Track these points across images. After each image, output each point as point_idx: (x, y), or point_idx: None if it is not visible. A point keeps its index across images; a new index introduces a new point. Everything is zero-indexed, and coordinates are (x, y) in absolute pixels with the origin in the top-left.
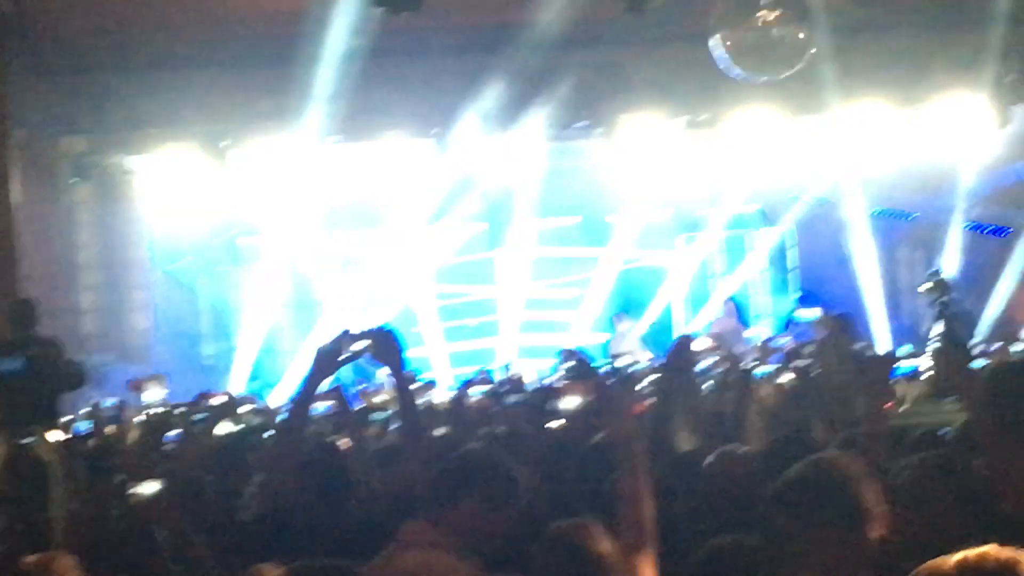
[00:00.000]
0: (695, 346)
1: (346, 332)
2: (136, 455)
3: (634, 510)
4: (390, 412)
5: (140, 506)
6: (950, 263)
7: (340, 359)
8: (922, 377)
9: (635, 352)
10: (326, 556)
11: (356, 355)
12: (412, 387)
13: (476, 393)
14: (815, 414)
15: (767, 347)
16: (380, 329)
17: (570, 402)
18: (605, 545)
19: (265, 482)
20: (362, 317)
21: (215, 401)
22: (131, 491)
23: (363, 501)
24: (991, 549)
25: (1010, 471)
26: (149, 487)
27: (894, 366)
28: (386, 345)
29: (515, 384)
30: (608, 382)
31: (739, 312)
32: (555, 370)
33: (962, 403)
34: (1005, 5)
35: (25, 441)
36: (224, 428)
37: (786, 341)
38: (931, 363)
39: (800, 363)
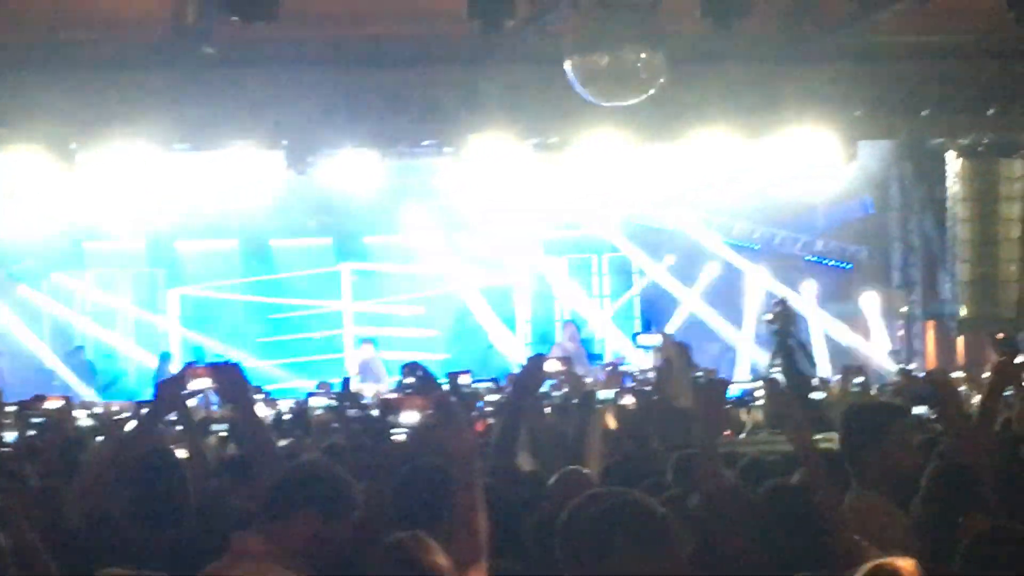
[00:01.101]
0: (546, 367)
1: (189, 365)
2: None
3: (470, 525)
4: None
5: None
6: (793, 294)
7: (183, 394)
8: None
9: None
10: (157, 567)
11: (199, 392)
12: (254, 410)
13: (318, 406)
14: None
15: (615, 371)
16: (225, 364)
17: (410, 416)
18: (439, 558)
19: (91, 486)
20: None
21: (50, 404)
22: None
23: (200, 511)
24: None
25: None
26: None
27: (727, 392)
28: (231, 381)
29: (353, 398)
30: (449, 398)
31: (580, 334)
32: (397, 384)
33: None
34: (854, 40)
35: None
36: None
37: (631, 365)
38: (762, 393)
39: (641, 387)
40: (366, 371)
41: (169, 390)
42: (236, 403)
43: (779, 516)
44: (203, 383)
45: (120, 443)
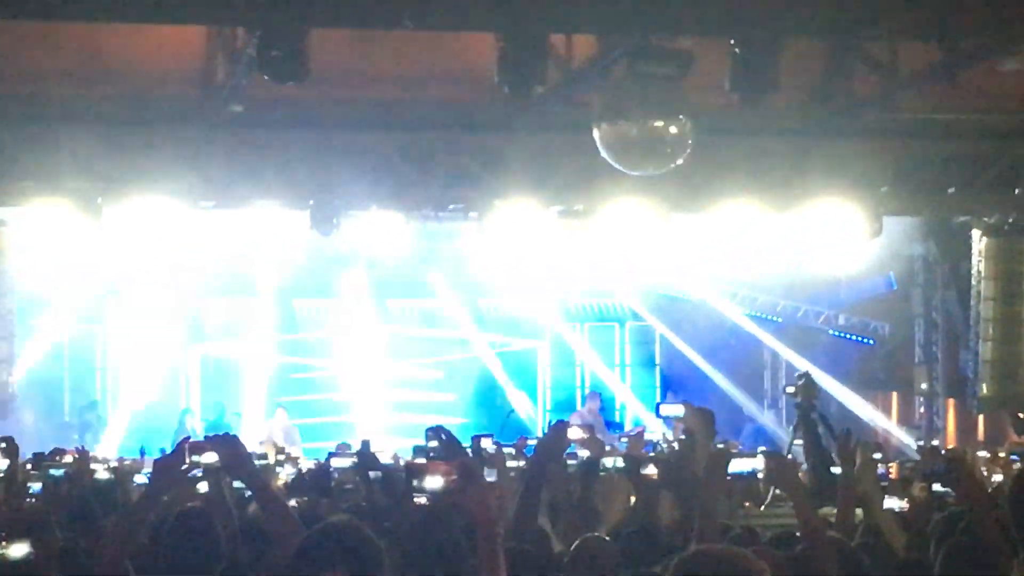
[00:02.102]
0: (570, 434)
1: (186, 440)
2: None
3: None
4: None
5: (10, 569)
6: (817, 367)
7: (183, 469)
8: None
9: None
10: None
11: (205, 469)
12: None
13: (340, 467)
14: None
15: (639, 438)
16: (224, 437)
17: (434, 481)
18: None
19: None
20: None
21: (68, 458)
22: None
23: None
24: None
25: None
26: (18, 549)
27: (728, 461)
28: (233, 454)
29: (372, 460)
30: (474, 462)
31: (603, 403)
32: (418, 449)
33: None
34: (882, 117)
35: None
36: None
37: (653, 434)
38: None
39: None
40: (288, 436)
41: (168, 467)
42: (241, 477)
43: None
44: (207, 458)
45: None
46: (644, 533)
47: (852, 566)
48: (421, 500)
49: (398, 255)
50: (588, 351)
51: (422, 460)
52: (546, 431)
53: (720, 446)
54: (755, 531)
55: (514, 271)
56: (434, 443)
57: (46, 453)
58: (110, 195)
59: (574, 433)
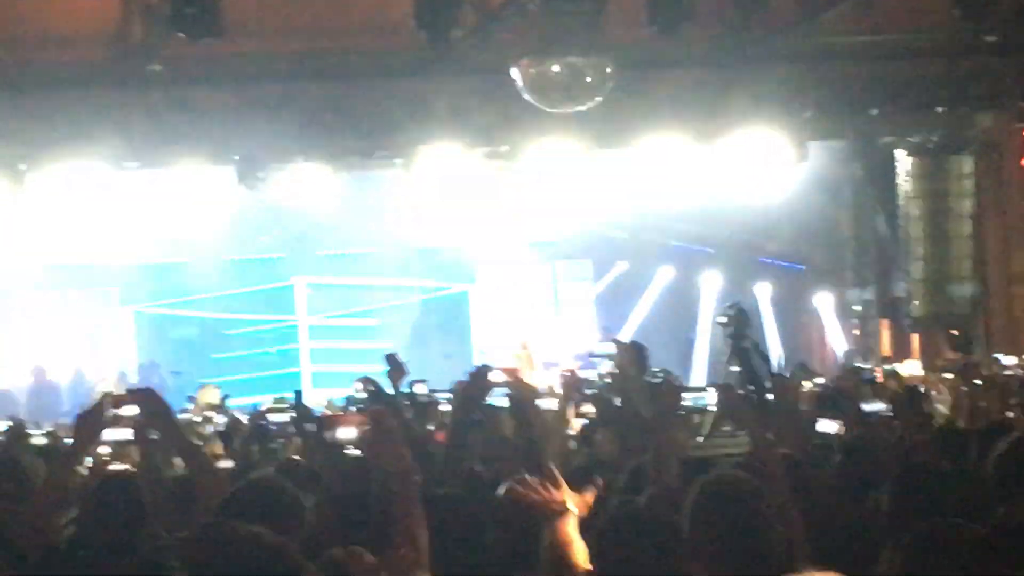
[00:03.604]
0: (492, 376)
1: (107, 395)
2: None
3: (409, 537)
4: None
5: None
6: (747, 296)
7: (103, 422)
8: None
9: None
10: None
11: (124, 421)
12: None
13: (273, 420)
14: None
15: (572, 377)
16: (144, 390)
17: (346, 432)
18: (374, 571)
19: (43, 511)
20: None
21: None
22: None
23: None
24: None
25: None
26: None
27: (682, 396)
28: (152, 407)
29: (307, 412)
30: (385, 413)
31: (534, 342)
32: (348, 399)
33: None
34: (801, 42)
35: None
36: None
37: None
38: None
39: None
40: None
41: (89, 422)
42: (162, 430)
43: (717, 512)
44: (128, 410)
45: (74, 457)
46: (586, 471)
47: (802, 480)
48: (354, 452)
49: (326, 205)
50: (522, 291)
51: (339, 412)
52: (468, 375)
53: (657, 376)
54: (707, 461)
55: (442, 216)
56: (364, 393)
57: None
58: (33, 161)
59: (496, 376)
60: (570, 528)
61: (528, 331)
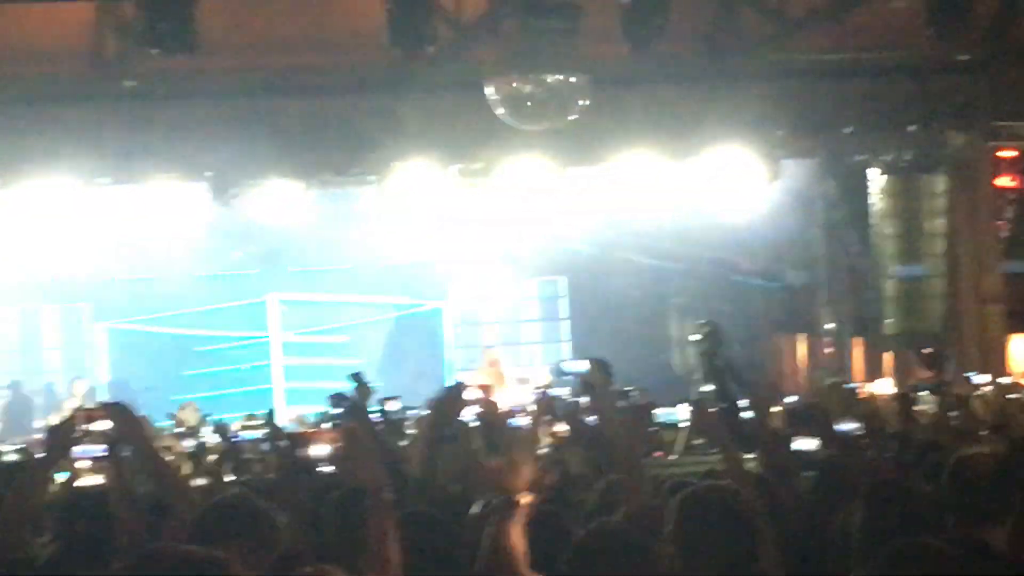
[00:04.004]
0: (466, 395)
1: (79, 410)
2: None
3: (381, 555)
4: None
5: None
6: (720, 314)
7: (74, 437)
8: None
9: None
10: None
11: (95, 435)
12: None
13: (246, 437)
14: (584, 461)
15: (543, 397)
16: (117, 404)
17: (319, 449)
18: None
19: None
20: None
21: None
22: None
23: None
24: None
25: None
26: None
27: (652, 414)
28: (125, 421)
29: (278, 430)
30: (357, 430)
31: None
32: (321, 415)
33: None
34: (774, 60)
35: None
36: None
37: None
38: (688, 415)
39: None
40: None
41: (59, 437)
42: (134, 443)
43: (702, 522)
44: (99, 425)
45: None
46: (558, 491)
47: (774, 497)
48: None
49: (300, 222)
50: (493, 309)
51: (312, 430)
52: (441, 392)
53: (630, 392)
54: (686, 481)
55: (415, 233)
56: (337, 410)
57: None
58: (5, 176)
59: (470, 393)
60: (515, 530)
61: (500, 349)
